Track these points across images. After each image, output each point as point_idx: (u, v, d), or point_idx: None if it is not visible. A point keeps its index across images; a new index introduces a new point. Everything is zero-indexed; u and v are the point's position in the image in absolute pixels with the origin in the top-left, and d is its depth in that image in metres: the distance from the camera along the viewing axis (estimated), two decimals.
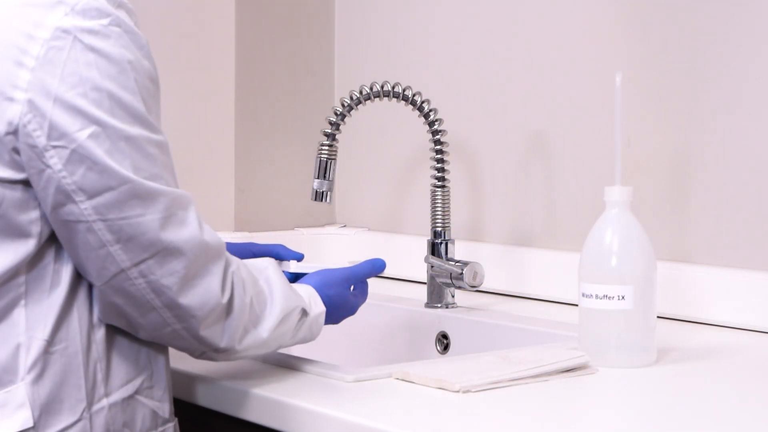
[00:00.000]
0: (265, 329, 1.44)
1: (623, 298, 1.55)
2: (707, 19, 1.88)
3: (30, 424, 1.33)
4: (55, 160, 1.29)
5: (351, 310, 1.66)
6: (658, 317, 1.60)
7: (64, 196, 1.30)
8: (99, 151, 1.29)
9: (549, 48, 2.10)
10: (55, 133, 1.28)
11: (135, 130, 1.31)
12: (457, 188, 2.20)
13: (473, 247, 2.17)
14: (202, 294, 1.35)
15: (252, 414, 1.47)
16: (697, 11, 1.89)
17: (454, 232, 2.09)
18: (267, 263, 1.50)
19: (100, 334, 1.37)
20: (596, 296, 1.56)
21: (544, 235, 2.12)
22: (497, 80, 2.19)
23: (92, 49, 1.29)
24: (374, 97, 2.01)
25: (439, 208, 2.05)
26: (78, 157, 1.29)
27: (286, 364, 1.59)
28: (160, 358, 1.44)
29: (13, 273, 1.33)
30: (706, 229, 1.89)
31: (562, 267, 2.01)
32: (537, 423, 1.34)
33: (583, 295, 1.58)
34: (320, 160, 1.99)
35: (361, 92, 2.00)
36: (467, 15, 2.24)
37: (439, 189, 2.05)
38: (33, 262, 1.34)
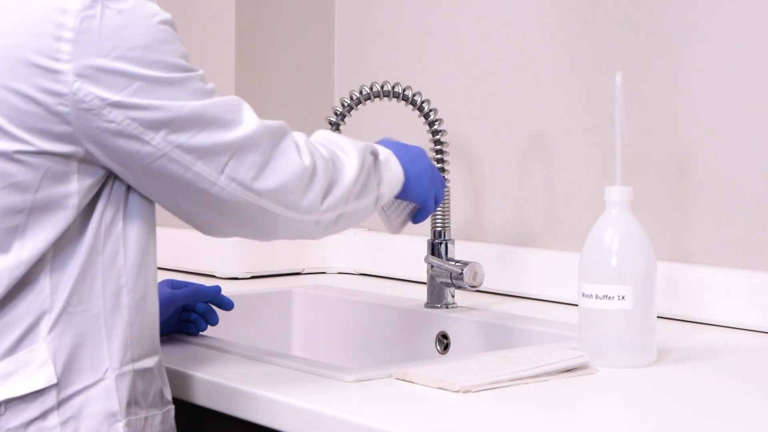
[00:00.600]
0: (350, 175, 1.54)
1: (623, 298, 1.55)
2: (707, 18, 1.88)
3: (54, 380, 1.39)
4: (115, 114, 1.37)
5: (434, 181, 1.73)
6: (658, 317, 1.60)
7: (135, 140, 1.38)
8: (148, 100, 1.38)
9: (549, 47, 2.10)
10: (104, 94, 1.36)
11: (177, 75, 1.40)
12: (457, 188, 2.20)
13: (473, 247, 2.17)
14: (287, 169, 1.46)
15: (251, 414, 1.47)
16: (697, 11, 1.89)
17: (454, 232, 2.10)
18: (321, 131, 1.64)
19: (129, 299, 1.44)
20: (596, 296, 1.56)
21: (544, 235, 2.12)
22: (497, 80, 2.19)
23: (120, 12, 1.37)
24: (374, 97, 2.01)
25: (439, 208, 2.05)
26: (133, 107, 1.37)
27: (286, 364, 1.59)
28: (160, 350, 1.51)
29: (49, 245, 1.39)
30: (706, 229, 1.89)
31: (562, 267, 2.01)
32: (537, 423, 1.34)
33: (583, 295, 1.58)
34: None
35: (361, 92, 2.00)
36: (467, 15, 2.24)
37: None
38: (65, 232, 1.40)
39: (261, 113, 2.52)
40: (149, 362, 1.46)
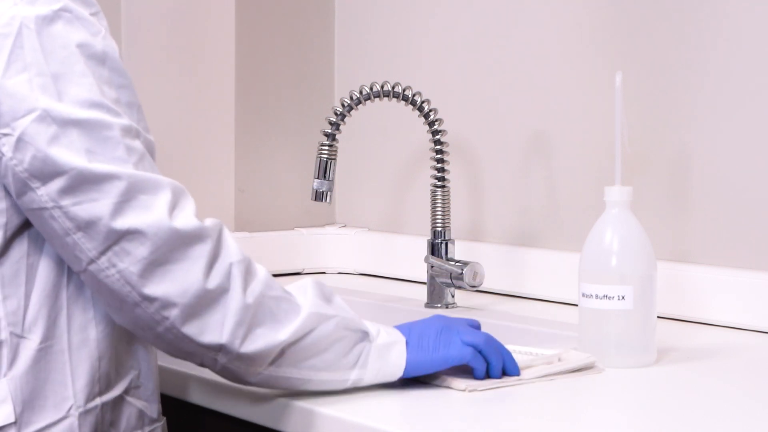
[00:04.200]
0: (284, 332, 1.33)
1: (623, 298, 1.55)
2: (707, 18, 1.88)
3: (12, 419, 1.32)
4: (6, 148, 1.27)
5: (450, 335, 1.44)
6: (658, 317, 1.60)
7: (22, 184, 1.28)
8: (43, 137, 1.26)
9: (549, 47, 2.10)
10: (1, 120, 1.26)
11: (87, 114, 1.27)
12: (457, 188, 2.20)
13: (473, 247, 2.17)
14: (179, 280, 1.28)
15: (249, 413, 1.47)
16: (697, 11, 1.89)
17: (454, 232, 2.10)
18: (309, 280, 1.41)
19: (96, 332, 1.36)
20: (596, 296, 1.56)
21: (544, 235, 2.12)
22: (497, 80, 2.19)
23: (38, 34, 1.27)
24: (374, 97, 2.01)
25: (439, 208, 2.05)
26: (23, 144, 1.26)
27: None
28: (149, 356, 1.43)
29: None
30: (706, 229, 1.89)
31: (562, 267, 2.01)
32: (543, 423, 1.34)
33: (583, 295, 1.58)
34: (320, 160, 1.99)
35: (361, 92, 2.00)
36: (467, 14, 2.24)
37: (439, 189, 2.05)
38: (5, 256, 1.32)
39: (261, 113, 2.51)
40: (118, 389, 1.39)
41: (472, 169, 2.23)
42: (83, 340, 1.35)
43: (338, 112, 2.00)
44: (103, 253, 1.28)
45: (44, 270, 1.34)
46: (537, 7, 2.12)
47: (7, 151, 1.27)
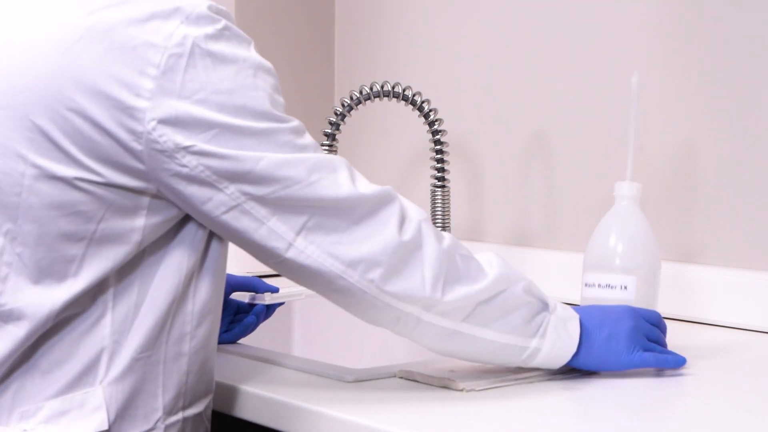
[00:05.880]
0: (478, 285, 1.38)
1: (626, 288, 1.55)
2: (714, 20, 1.88)
3: (105, 426, 1.33)
4: (188, 158, 1.29)
5: (635, 339, 1.48)
6: (663, 318, 1.60)
7: (209, 187, 1.30)
8: (224, 149, 1.30)
9: (549, 47, 2.10)
10: (180, 138, 1.29)
11: (262, 125, 1.32)
12: (457, 188, 2.20)
13: (473, 247, 2.15)
14: (378, 239, 1.34)
15: (252, 414, 1.47)
16: (702, 11, 1.89)
17: (454, 232, 2.10)
18: (489, 254, 1.45)
19: (191, 346, 1.38)
20: (599, 285, 1.56)
21: (543, 235, 2.12)
22: (497, 80, 2.19)
23: (209, 54, 1.30)
24: (374, 97, 2.01)
25: (439, 208, 2.05)
26: (207, 154, 1.29)
27: (288, 365, 1.58)
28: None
29: (106, 278, 1.33)
30: (711, 229, 1.89)
31: (562, 267, 2.01)
32: (542, 422, 1.34)
33: (585, 284, 1.58)
34: None
35: (361, 92, 2.00)
36: (467, 14, 2.24)
37: (439, 189, 2.05)
38: (123, 270, 1.34)
39: None
40: (199, 406, 1.41)
41: (472, 169, 2.23)
42: (177, 353, 1.37)
43: (338, 112, 2.00)
44: (299, 231, 1.32)
45: (159, 282, 1.35)
46: (537, 7, 2.12)
47: (190, 161, 1.29)
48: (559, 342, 1.44)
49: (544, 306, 1.44)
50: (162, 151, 1.29)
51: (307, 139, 1.35)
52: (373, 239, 1.34)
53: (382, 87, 2.00)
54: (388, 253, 1.34)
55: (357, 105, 2.00)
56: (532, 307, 1.43)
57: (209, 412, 1.45)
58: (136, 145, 1.29)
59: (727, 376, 1.55)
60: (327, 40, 2.50)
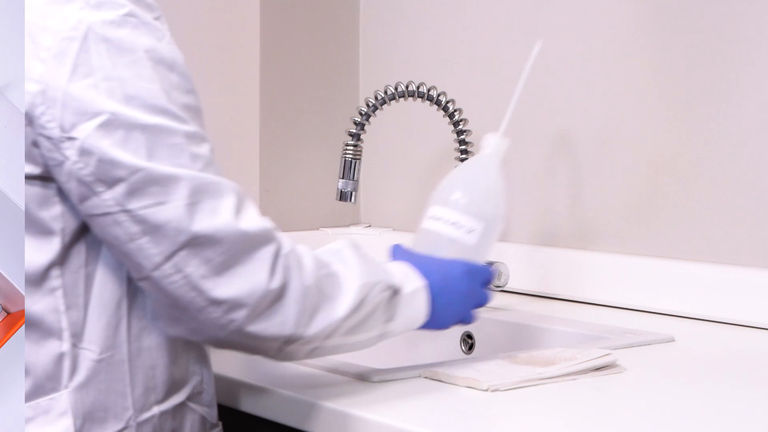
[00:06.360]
0: (341, 308, 1.36)
1: (472, 232, 1.54)
2: (710, 20, 1.87)
3: (71, 431, 1.32)
4: (71, 152, 1.26)
5: (466, 305, 1.51)
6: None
7: (86, 188, 1.26)
8: (107, 141, 1.25)
9: (574, 48, 2.10)
10: (67, 124, 1.25)
11: (153, 120, 1.26)
12: None
13: (498, 246, 2.16)
14: (247, 283, 1.28)
15: (280, 415, 1.47)
16: (699, 9, 1.88)
17: None
18: (342, 243, 1.42)
19: (151, 340, 1.35)
20: (445, 221, 1.54)
21: (569, 235, 2.11)
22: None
23: (105, 40, 1.26)
24: (399, 97, 2.01)
25: None
26: (89, 148, 1.25)
27: (313, 364, 1.58)
28: (209, 361, 1.43)
29: (44, 274, 1.31)
30: (718, 228, 1.89)
31: (588, 267, 2.01)
32: (566, 422, 1.34)
33: (431, 217, 1.55)
34: (345, 160, 1.99)
35: (385, 92, 2.00)
36: (492, 15, 2.24)
37: None
38: (65, 265, 1.32)
39: (286, 114, 2.52)
40: (179, 397, 1.38)
41: None
42: (139, 348, 1.34)
43: (363, 112, 2.00)
44: (169, 258, 1.26)
45: (102, 279, 1.33)
46: (562, 7, 2.12)
47: (72, 155, 1.26)
48: (411, 316, 1.45)
49: (395, 291, 1.43)
50: (49, 138, 1.26)
51: (202, 150, 1.29)
52: (242, 280, 1.28)
53: (407, 87, 2.00)
54: (255, 297, 1.29)
55: (382, 105, 2.00)
56: (387, 299, 1.42)
57: (205, 399, 1.42)
58: (30, 131, 1.27)
59: (744, 376, 1.55)
60: (352, 40, 2.50)
